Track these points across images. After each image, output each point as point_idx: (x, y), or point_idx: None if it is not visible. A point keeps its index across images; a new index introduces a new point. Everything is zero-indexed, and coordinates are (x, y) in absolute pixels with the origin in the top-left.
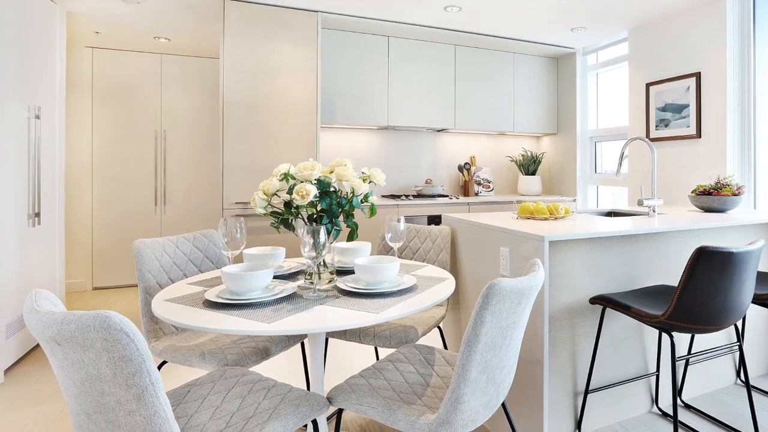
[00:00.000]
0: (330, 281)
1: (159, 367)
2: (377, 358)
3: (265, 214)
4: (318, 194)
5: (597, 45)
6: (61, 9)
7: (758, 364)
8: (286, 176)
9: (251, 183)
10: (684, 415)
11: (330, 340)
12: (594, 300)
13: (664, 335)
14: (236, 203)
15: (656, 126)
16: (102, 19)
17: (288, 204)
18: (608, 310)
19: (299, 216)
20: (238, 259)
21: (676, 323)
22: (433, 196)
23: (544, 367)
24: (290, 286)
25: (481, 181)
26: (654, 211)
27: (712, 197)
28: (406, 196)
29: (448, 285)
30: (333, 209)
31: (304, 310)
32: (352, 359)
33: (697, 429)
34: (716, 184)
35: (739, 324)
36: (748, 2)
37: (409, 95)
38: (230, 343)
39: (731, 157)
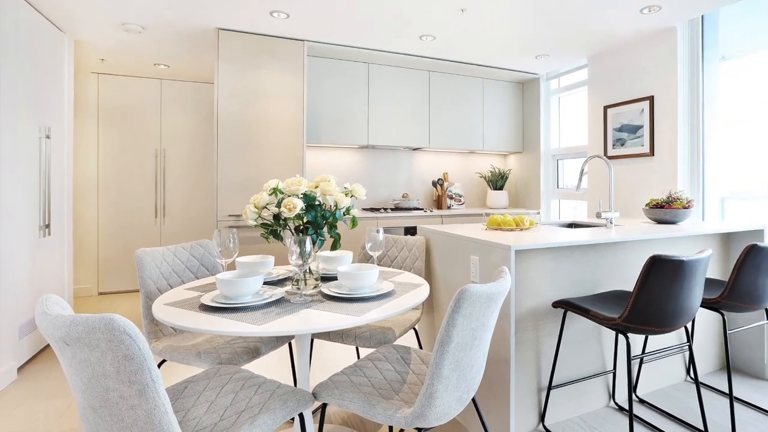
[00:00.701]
0: (315, 287)
1: (159, 366)
2: (358, 357)
3: (255, 226)
4: (304, 207)
5: (559, 71)
6: (69, 39)
7: (706, 362)
8: (275, 191)
9: (243, 197)
10: (638, 410)
11: (315, 340)
12: (556, 304)
13: (621, 336)
14: (229, 215)
15: (613, 145)
16: (107, 48)
17: (277, 216)
18: (569, 313)
19: (287, 227)
20: (231, 267)
21: (631, 325)
22: (409, 209)
23: (510, 366)
24: (278, 292)
25: (453, 196)
26: (611, 222)
27: (664, 210)
28: (385, 209)
29: (423, 290)
30: (318, 221)
31: (292, 314)
32: (335, 358)
33: (650, 422)
34: (668, 198)
35: (689, 326)
36: (697, 32)
37: (388, 117)
38: (224, 344)
39: (681, 173)
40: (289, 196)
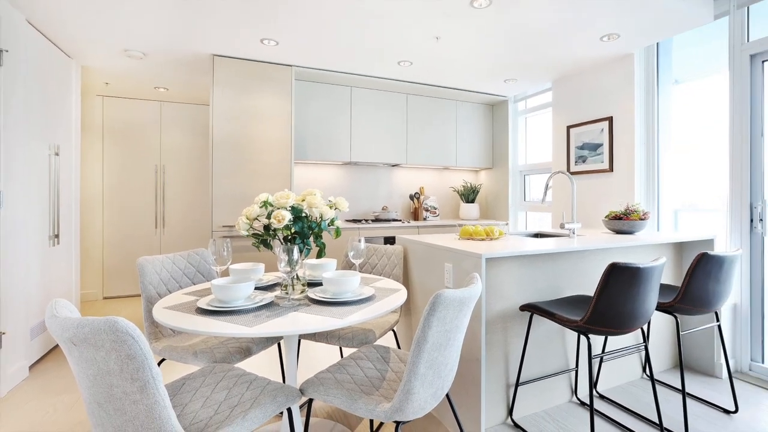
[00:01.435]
0: (302, 292)
1: (158, 364)
2: (341, 356)
3: (247, 236)
4: (292, 219)
5: (526, 93)
6: (76, 64)
7: (661, 361)
8: (265, 204)
9: (236, 209)
10: (599, 404)
11: (302, 341)
12: (523, 307)
13: (582, 337)
14: (223, 226)
15: (575, 161)
16: (111, 72)
17: (267, 227)
18: (535, 316)
19: (276, 237)
20: (225, 273)
21: (592, 327)
22: (388, 221)
23: (481, 364)
24: (269, 296)
25: (429, 208)
26: (574, 233)
27: (623, 221)
28: (366, 220)
29: (401, 295)
30: (304, 231)
31: (280, 316)
32: (320, 357)
33: (610, 416)
34: (626, 210)
35: (645, 327)
36: (652, 58)
37: (369, 136)
38: (218, 344)
39: (638, 187)
40: (278, 208)
